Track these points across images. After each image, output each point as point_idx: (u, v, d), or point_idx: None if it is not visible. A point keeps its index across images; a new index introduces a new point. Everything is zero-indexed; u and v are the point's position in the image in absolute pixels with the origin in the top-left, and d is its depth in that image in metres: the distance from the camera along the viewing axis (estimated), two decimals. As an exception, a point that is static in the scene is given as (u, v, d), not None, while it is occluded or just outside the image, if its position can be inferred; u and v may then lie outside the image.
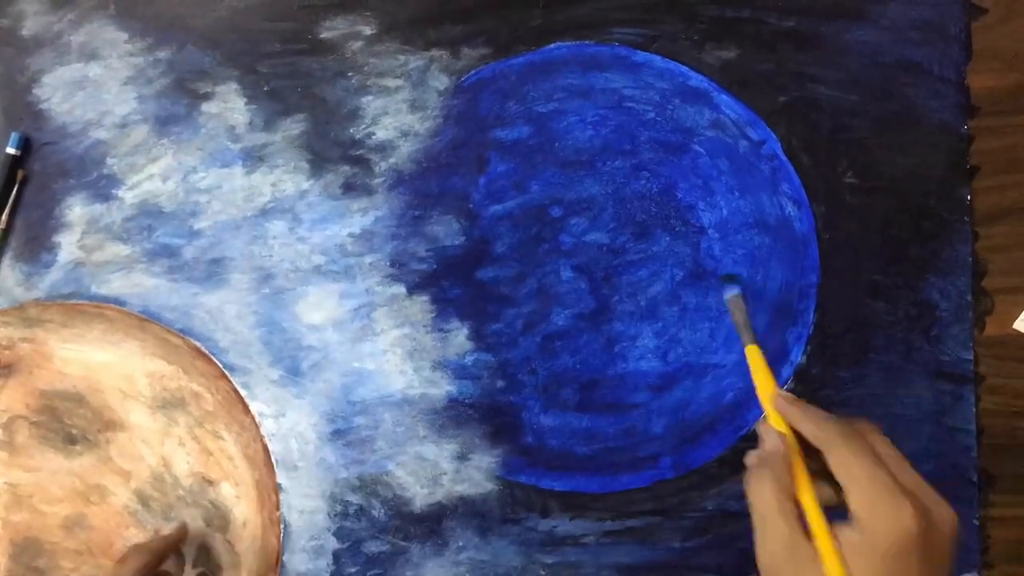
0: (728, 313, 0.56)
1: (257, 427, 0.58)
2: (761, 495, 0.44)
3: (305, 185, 0.58)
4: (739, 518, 0.57)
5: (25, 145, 0.58)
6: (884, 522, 0.40)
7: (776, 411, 0.47)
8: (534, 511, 0.57)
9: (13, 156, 0.58)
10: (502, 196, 0.58)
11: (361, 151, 0.58)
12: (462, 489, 0.58)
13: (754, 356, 0.50)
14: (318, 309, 0.58)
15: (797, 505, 0.43)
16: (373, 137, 0.58)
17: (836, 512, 0.43)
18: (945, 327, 0.57)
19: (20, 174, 0.58)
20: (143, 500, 0.58)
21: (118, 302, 0.59)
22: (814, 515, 0.43)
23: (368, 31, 0.58)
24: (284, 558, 0.58)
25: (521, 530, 0.57)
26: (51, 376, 0.58)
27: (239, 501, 0.58)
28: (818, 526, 0.42)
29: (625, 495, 0.57)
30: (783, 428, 0.47)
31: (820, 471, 0.44)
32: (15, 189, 0.58)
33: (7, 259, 0.59)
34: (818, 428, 0.44)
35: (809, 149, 0.57)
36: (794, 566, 0.42)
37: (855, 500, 0.41)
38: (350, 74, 0.58)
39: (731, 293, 0.54)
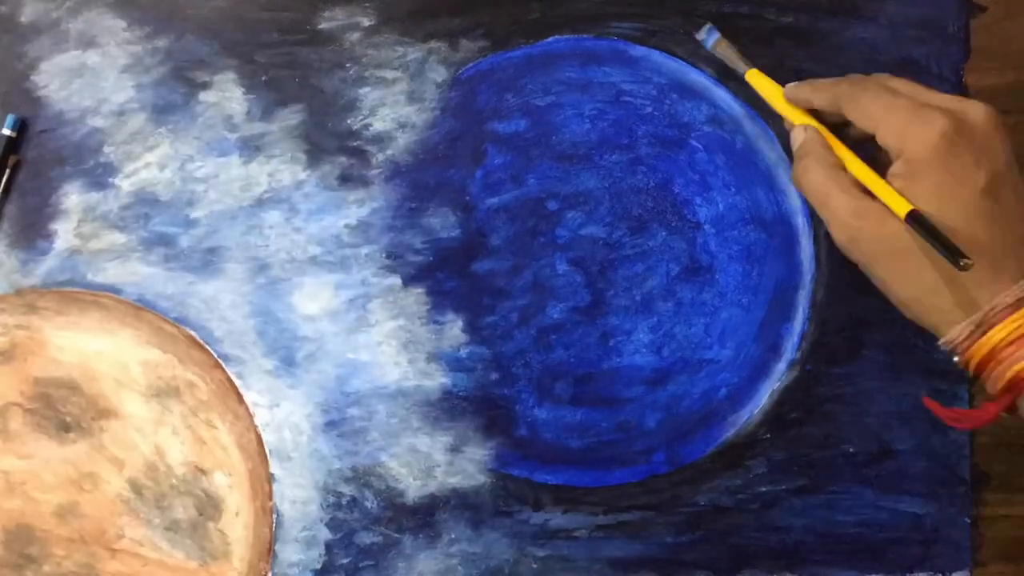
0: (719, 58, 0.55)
1: (251, 417, 0.58)
2: (814, 183, 0.44)
3: (302, 175, 0.58)
4: (732, 513, 0.57)
5: (21, 131, 0.58)
6: (914, 137, 0.40)
7: (791, 106, 0.47)
8: (527, 504, 0.57)
9: (8, 138, 0.58)
10: (499, 189, 0.58)
11: (358, 142, 0.58)
12: (455, 481, 0.58)
13: (755, 78, 0.52)
14: (313, 300, 0.58)
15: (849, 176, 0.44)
16: (370, 128, 0.58)
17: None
18: (940, 325, 0.57)
19: (13, 159, 0.58)
20: (136, 489, 0.58)
21: (114, 290, 0.59)
22: (861, 170, 0.43)
23: (366, 22, 0.58)
24: (276, 548, 0.58)
25: (513, 523, 0.57)
26: (46, 363, 0.58)
27: (232, 491, 0.58)
28: (867, 176, 0.42)
29: (618, 489, 0.57)
30: (806, 119, 0.47)
31: (857, 139, 0.44)
32: (7, 173, 0.58)
33: (2, 246, 0.59)
34: (830, 92, 0.45)
35: (806, 145, 0.57)
36: (869, 226, 0.42)
37: (883, 136, 0.41)
38: (348, 65, 0.58)
39: (713, 39, 0.54)
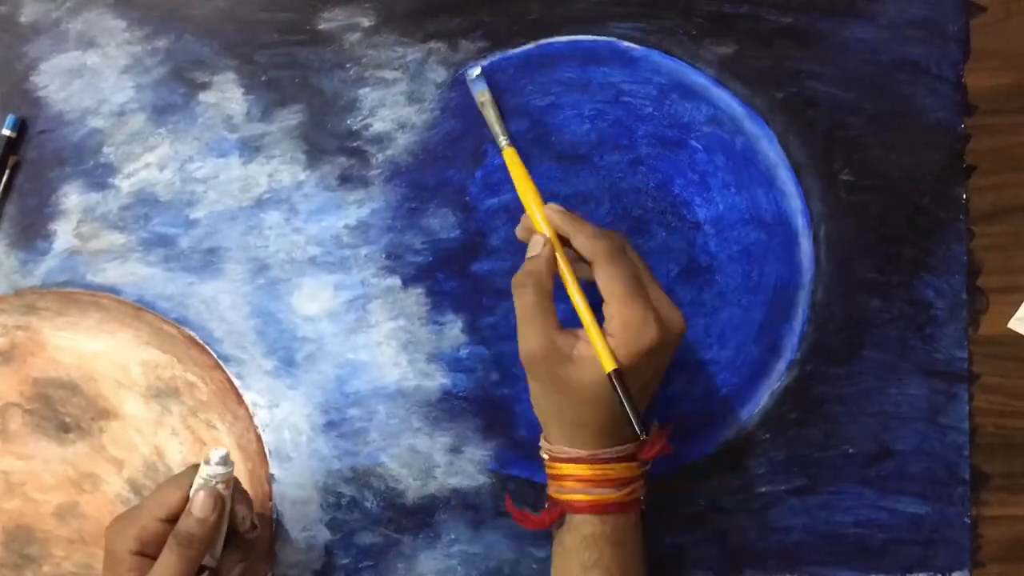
0: (480, 110, 0.56)
1: (251, 417, 0.58)
2: (524, 298, 0.50)
3: (301, 176, 0.58)
4: (732, 514, 0.57)
5: (21, 131, 0.58)
6: (632, 334, 0.48)
7: (544, 217, 0.52)
8: (527, 504, 0.57)
9: (8, 138, 0.58)
10: (498, 189, 0.58)
11: (358, 143, 0.58)
12: (455, 482, 0.58)
13: (512, 159, 0.55)
14: (313, 300, 0.58)
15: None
16: (370, 129, 0.58)
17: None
18: (939, 326, 0.57)
19: (13, 160, 0.58)
20: (136, 489, 0.58)
21: (113, 291, 0.59)
22: (583, 308, 0.50)
23: (366, 23, 0.58)
24: (276, 548, 0.58)
25: (513, 524, 0.57)
26: (45, 364, 0.58)
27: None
28: (587, 320, 0.49)
29: (618, 490, 0.57)
30: (548, 232, 0.52)
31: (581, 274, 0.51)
32: (7, 173, 0.58)
33: (2, 246, 0.59)
34: (587, 241, 0.50)
35: (806, 146, 0.57)
36: (551, 359, 0.49)
37: (614, 317, 0.48)
38: (348, 65, 0.58)
39: (480, 89, 0.54)
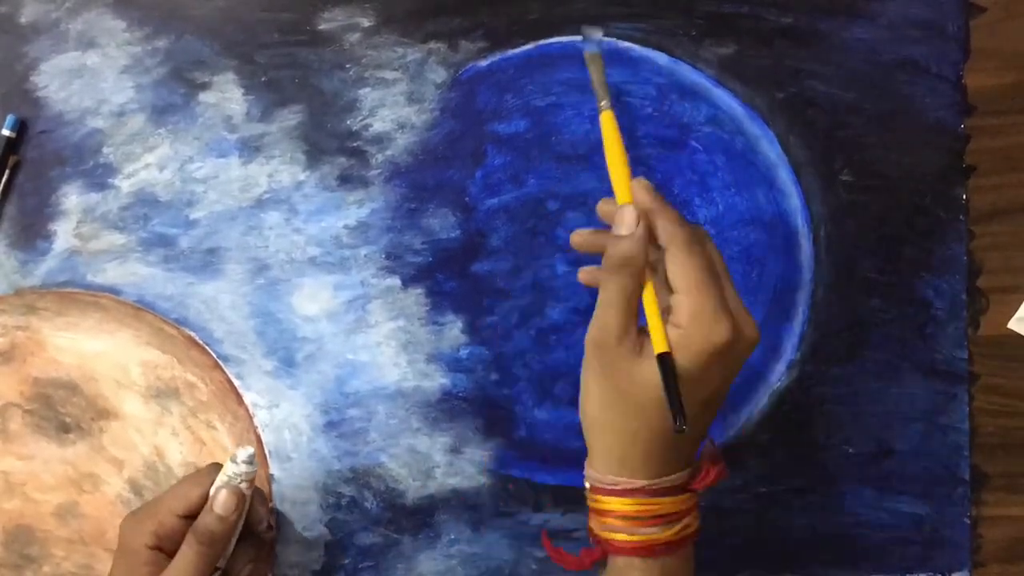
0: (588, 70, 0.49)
1: (250, 418, 0.58)
2: (616, 283, 0.45)
3: (301, 176, 0.58)
4: (730, 514, 0.57)
5: (21, 131, 0.58)
6: (702, 327, 0.43)
7: (633, 193, 0.46)
8: (527, 505, 0.57)
9: (8, 138, 0.58)
10: (499, 189, 0.58)
11: (358, 143, 0.58)
12: (455, 482, 0.58)
13: (608, 123, 0.47)
14: (313, 300, 0.58)
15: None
16: (370, 129, 0.58)
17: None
18: (939, 326, 0.57)
19: (13, 160, 0.58)
20: (136, 489, 0.58)
21: (113, 291, 0.59)
22: (650, 292, 0.44)
23: (366, 23, 0.58)
24: (276, 548, 0.58)
25: (513, 524, 0.57)
26: (45, 364, 0.58)
27: (232, 491, 0.58)
28: (650, 302, 0.44)
29: (618, 490, 0.57)
30: (641, 201, 0.45)
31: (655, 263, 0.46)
32: (7, 174, 0.58)
33: (2, 246, 0.59)
34: (669, 225, 0.45)
35: (806, 146, 0.57)
36: (623, 348, 0.44)
37: (683, 306, 0.43)
38: (348, 66, 0.58)
39: (590, 50, 0.48)
